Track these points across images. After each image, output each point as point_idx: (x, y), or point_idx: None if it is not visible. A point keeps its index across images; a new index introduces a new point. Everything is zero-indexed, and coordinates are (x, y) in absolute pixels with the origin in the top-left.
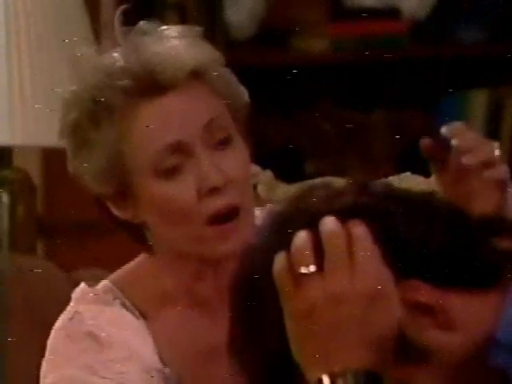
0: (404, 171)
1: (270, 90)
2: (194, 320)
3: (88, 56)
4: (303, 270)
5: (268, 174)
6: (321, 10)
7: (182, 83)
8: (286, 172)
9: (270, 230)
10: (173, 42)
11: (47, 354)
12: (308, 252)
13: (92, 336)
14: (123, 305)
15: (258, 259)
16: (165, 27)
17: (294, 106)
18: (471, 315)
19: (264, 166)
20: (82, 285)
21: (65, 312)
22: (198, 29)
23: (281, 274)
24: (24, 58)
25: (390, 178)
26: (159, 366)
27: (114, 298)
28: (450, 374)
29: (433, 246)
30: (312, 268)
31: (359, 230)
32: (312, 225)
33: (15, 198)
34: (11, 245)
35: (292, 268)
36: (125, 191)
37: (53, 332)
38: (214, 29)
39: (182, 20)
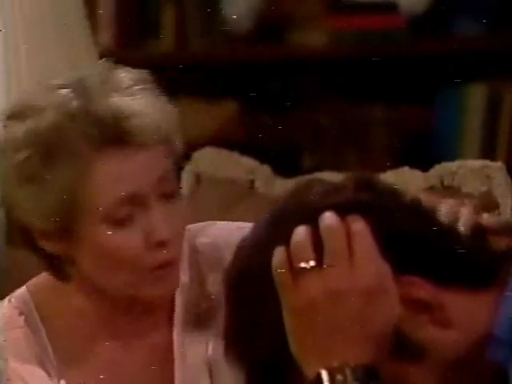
0: (402, 165)
1: (268, 84)
2: (99, 342)
3: (45, 92)
4: (302, 264)
5: (266, 169)
6: (319, 4)
7: (147, 140)
8: (284, 167)
9: (267, 225)
10: (142, 99)
11: None
12: (307, 247)
13: None
14: (28, 321)
15: (256, 254)
16: (131, 79)
17: (291, 100)
18: (468, 313)
19: (261, 161)
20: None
21: None
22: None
23: (280, 268)
24: (20, 38)
25: (388, 173)
26: None
27: (21, 314)
28: (446, 371)
29: (431, 243)
30: (311, 263)
31: (358, 225)
32: (311, 220)
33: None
34: (8, 240)
35: (291, 263)
36: (67, 230)
37: None
38: (211, 23)
39: (180, 14)
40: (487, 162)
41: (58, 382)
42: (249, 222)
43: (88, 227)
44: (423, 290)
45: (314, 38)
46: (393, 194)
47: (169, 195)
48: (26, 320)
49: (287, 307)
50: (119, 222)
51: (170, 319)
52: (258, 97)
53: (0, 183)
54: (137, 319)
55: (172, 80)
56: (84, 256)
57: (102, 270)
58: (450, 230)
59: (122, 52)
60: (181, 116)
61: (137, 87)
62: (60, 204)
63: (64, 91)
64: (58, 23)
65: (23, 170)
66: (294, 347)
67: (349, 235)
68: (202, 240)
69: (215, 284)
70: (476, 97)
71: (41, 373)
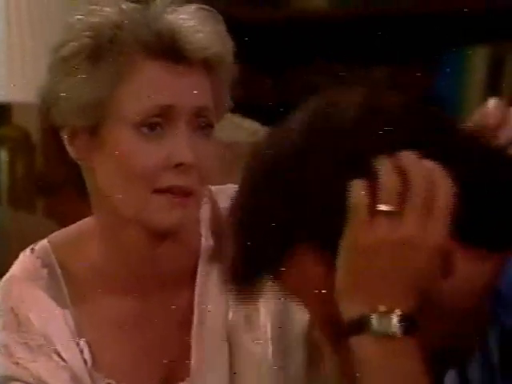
0: None
1: (267, 46)
2: (118, 298)
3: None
4: (384, 207)
5: None
6: None
7: (198, 62)
8: None
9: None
10: (203, 23)
11: None
12: (395, 192)
13: (13, 313)
14: (51, 274)
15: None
16: (194, 5)
17: (291, 62)
18: (473, 268)
19: (264, 124)
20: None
21: (11, 268)
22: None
23: (358, 204)
24: (23, 13)
25: None
26: (71, 353)
27: (44, 266)
28: (450, 319)
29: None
30: (393, 207)
31: (447, 183)
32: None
33: (14, 155)
34: (11, 202)
35: (371, 202)
36: (95, 129)
37: None
38: None
39: None
40: None
41: (78, 339)
42: None
43: (117, 129)
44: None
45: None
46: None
47: (202, 128)
48: (48, 273)
49: (351, 243)
50: (147, 132)
51: (193, 283)
52: (259, 59)
53: (46, 78)
54: (158, 279)
55: None
56: (104, 165)
57: (118, 183)
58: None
59: None
60: None
61: (199, 13)
62: (98, 100)
63: (130, 3)
64: None
65: (71, 62)
66: (342, 283)
67: (435, 189)
68: (225, 205)
69: None
70: (479, 58)
71: (62, 327)
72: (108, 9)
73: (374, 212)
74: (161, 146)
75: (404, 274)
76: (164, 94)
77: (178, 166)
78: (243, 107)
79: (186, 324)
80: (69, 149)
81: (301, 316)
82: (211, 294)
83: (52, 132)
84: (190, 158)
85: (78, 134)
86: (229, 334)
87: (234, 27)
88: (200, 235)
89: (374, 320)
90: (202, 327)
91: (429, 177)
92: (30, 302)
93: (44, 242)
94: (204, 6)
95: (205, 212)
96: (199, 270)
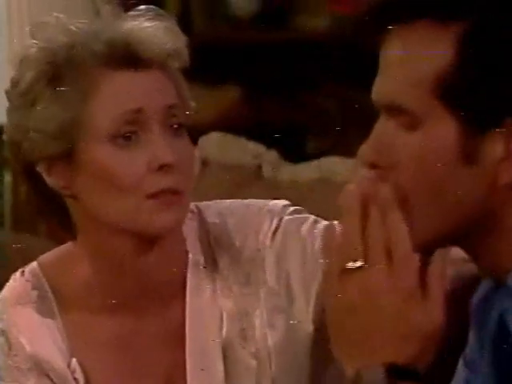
0: None
1: (273, 69)
2: (110, 315)
3: (58, 20)
4: (351, 265)
5: (273, 154)
6: None
7: (156, 63)
8: (290, 152)
9: None
10: (153, 22)
11: None
12: (356, 246)
13: (5, 336)
14: (41, 296)
15: None
16: (143, 7)
17: (296, 85)
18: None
19: (268, 146)
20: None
21: (3, 291)
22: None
23: (330, 271)
24: (25, 36)
25: None
26: (63, 375)
27: (34, 288)
28: None
29: None
30: (359, 263)
31: (399, 229)
32: None
33: (18, 177)
34: (13, 224)
35: (340, 262)
36: (71, 154)
37: None
38: (216, 7)
39: None
40: None
41: (70, 359)
42: None
43: (92, 146)
44: None
45: (316, 21)
46: None
47: (175, 129)
48: (38, 295)
49: (330, 301)
50: (123, 141)
51: (183, 298)
52: (262, 81)
53: (10, 118)
54: (148, 293)
55: None
56: (86, 184)
57: (103, 197)
58: None
59: None
60: None
61: (148, 13)
62: (68, 122)
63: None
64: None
65: (32, 92)
66: (333, 341)
67: (388, 236)
68: (213, 220)
69: (228, 266)
70: None
71: (53, 350)
72: (56, 32)
73: (344, 269)
74: (140, 153)
75: (384, 323)
76: (131, 100)
77: (162, 167)
78: (246, 130)
79: (179, 340)
80: (48, 180)
81: (305, 329)
82: (203, 309)
83: (27, 168)
84: (170, 157)
85: (55, 164)
86: (224, 349)
87: (240, 51)
88: (186, 250)
89: (364, 373)
90: (196, 342)
91: (377, 229)
92: (21, 325)
93: (34, 264)
94: (151, 7)
95: (192, 228)
96: (188, 284)
